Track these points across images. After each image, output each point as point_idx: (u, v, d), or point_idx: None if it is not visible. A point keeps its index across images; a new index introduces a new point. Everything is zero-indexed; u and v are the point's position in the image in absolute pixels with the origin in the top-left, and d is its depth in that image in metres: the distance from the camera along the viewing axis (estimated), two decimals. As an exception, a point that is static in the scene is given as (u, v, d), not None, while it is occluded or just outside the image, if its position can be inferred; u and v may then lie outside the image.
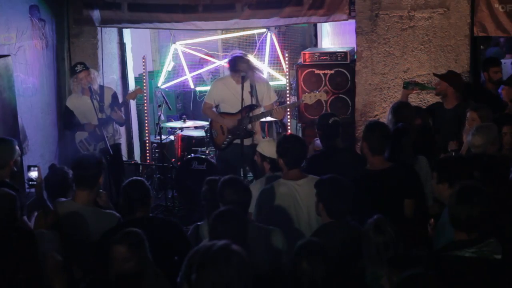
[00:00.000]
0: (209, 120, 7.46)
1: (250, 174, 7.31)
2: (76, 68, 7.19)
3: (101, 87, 7.34)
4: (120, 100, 7.60)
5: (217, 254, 2.76)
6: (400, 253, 3.58)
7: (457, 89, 6.31)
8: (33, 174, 4.68)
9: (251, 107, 6.78)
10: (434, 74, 6.66)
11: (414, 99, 7.32)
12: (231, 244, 2.82)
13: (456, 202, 3.49)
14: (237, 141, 6.85)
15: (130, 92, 7.95)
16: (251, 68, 6.86)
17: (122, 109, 7.50)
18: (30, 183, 4.70)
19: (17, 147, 5.10)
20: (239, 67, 6.77)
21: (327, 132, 5.42)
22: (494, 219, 3.63)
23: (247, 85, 6.75)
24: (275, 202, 4.59)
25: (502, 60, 8.14)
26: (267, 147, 5.03)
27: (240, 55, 6.94)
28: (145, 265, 3.62)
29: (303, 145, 4.81)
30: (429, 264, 3.43)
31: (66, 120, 7.53)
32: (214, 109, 7.22)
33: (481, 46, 8.51)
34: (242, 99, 6.60)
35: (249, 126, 6.84)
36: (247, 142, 6.81)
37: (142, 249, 3.63)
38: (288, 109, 7.69)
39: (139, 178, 4.56)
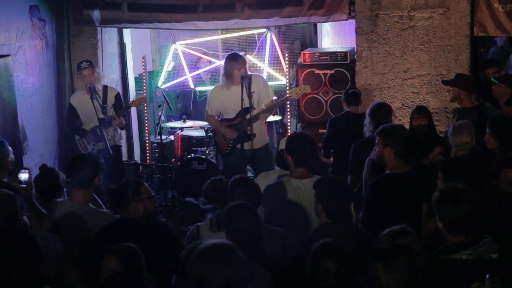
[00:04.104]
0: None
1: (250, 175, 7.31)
2: (81, 65, 7.20)
3: (105, 87, 7.34)
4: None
5: (215, 255, 2.76)
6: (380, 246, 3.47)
7: (470, 90, 6.20)
8: (23, 176, 4.54)
9: (247, 110, 6.76)
10: (443, 82, 6.57)
11: (414, 99, 7.33)
12: (230, 244, 2.81)
13: (442, 205, 3.46)
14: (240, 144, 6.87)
15: (134, 99, 8.00)
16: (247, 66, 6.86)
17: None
18: (20, 185, 4.60)
19: (9, 147, 5.11)
20: (233, 68, 6.76)
21: (346, 99, 6.71)
22: (485, 218, 3.61)
23: (246, 85, 6.72)
24: (279, 200, 4.61)
25: None
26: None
27: (233, 55, 6.93)
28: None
29: (312, 144, 4.82)
30: (428, 267, 3.41)
31: (68, 119, 7.51)
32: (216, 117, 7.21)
33: (481, 49, 8.44)
34: (242, 99, 6.58)
35: (249, 129, 6.84)
36: (246, 146, 6.80)
37: (131, 266, 3.52)
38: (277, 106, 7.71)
39: (137, 179, 4.58)
